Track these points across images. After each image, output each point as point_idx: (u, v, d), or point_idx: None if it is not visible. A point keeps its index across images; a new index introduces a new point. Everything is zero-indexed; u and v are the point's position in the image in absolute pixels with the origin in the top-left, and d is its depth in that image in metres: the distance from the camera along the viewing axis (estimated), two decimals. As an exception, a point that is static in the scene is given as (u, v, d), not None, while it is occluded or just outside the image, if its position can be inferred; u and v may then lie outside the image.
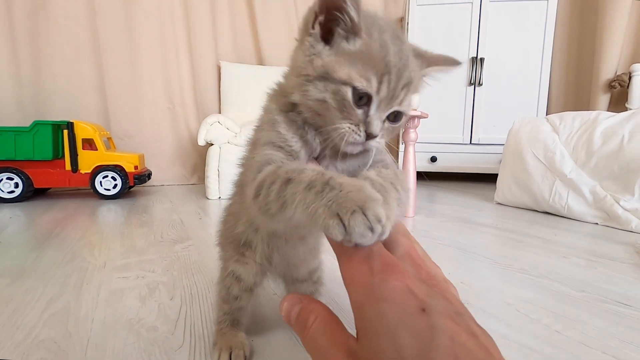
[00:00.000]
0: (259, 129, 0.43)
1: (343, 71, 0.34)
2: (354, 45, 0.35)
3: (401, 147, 2.88)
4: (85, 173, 1.95)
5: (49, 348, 0.59)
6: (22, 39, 2.17)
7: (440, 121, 2.79)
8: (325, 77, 0.35)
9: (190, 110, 2.61)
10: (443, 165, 2.86)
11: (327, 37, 0.37)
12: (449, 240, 1.27)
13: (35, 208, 1.75)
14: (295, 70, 0.39)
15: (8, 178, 1.84)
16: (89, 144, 1.97)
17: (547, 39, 2.72)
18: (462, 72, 2.80)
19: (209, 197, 2.03)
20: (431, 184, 2.74)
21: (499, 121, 2.80)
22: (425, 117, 1.60)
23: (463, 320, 0.25)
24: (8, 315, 0.70)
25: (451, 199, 2.12)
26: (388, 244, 0.30)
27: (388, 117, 0.37)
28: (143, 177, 2.06)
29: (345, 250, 0.28)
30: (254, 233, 0.54)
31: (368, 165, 0.39)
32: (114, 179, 1.97)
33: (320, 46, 0.36)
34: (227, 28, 2.66)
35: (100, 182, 1.96)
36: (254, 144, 0.43)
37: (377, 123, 0.35)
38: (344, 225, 0.27)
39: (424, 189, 2.45)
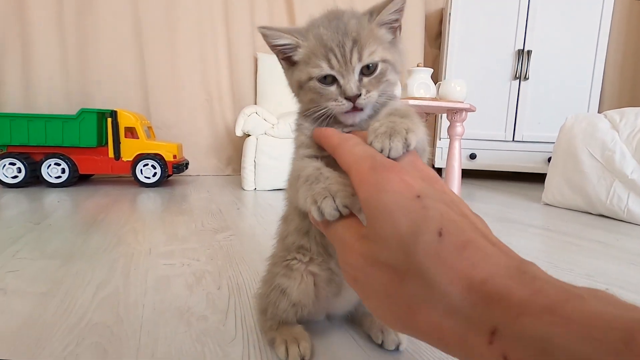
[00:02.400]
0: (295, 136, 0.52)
1: (304, 74, 0.45)
2: (300, 54, 0.46)
3: (440, 142, 2.77)
4: (127, 161, 1.99)
5: (102, 333, 0.58)
6: (70, 35, 2.25)
7: (480, 116, 2.64)
8: (301, 85, 0.46)
9: (227, 103, 2.63)
10: (482, 162, 2.74)
11: (292, 62, 0.48)
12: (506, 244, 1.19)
13: (80, 193, 1.81)
14: (291, 92, 0.50)
15: (56, 164, 1.91)
16: (131, 132, 2.02)
17: (603, 31, 2.54)
18: (507, 66, 2.67)
19: (245, 188, 2.03)
20: (469, 182, 2.63)
21: (545, 118, 2.66)
22: (473, 111, 1.52)
23: (455, 206, 0.30)
24: (61, 297, 0.71)
25: (493, 198, 2.02)
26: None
27: (364, 74, 0.43)
28: (181, 166, 2.08)
29: (355, 163, 0.35)
30: (305, 237, 0.52)
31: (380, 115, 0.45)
32: (153, 167, 2.00)
33: (290, 71, 0.48)
34: (265, 19, 2.65)
35: (141, 170, 2.00)
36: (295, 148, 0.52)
37: (350, 86, 0.42)
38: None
39: (462, 187, 2.35)
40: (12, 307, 0.67)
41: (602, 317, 0.20)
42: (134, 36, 2.37)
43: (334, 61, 0.42)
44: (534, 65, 2.63)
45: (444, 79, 2.72)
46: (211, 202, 1.69)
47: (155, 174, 2.01)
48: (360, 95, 0.42)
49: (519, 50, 2.63)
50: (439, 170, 3.02)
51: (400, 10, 0.45)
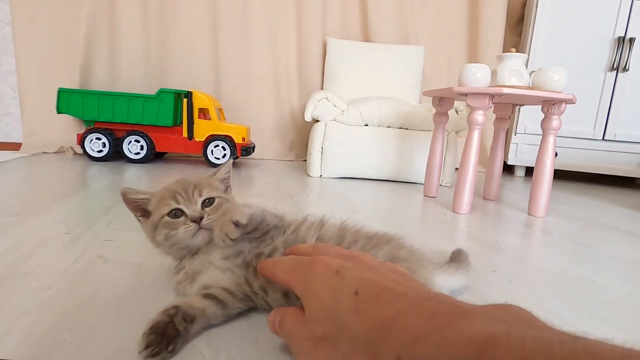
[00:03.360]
0: None
1: (157, 215, 0.57)
2: (153, 203, 0.60)
3: (515, 138, 2.54)
4: (199, 141, 2.05)
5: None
6: (153, 16, 2.34)
7: (566, 111, 2.41)
8: (156, 225, 0.57)
9: (293, 88, 2.62)
10: (565, 162, 2.50)
11: (147, 214, 0.61)
12: (612, 252, 1.05)
13: (157, 170, 1.89)
14: (151, 243, 0.61)
15: (135, 140, 2.01)
16: (204, 113, 2.07)
17: None
18: (603, 55, 2.38)
19: (311, 175, 2.00)
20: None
21: (646, 115, 2.35)
22: (573, 103, 1.36)
23: (374, 270, 0.35)
24: (156, 270, 0.71)
25: (581, 202, 1.82)
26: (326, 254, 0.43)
27: (205, 206, 0.58)
28: (249, 149, 2.11)
29: (291, 279, 0.40)
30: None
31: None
32: (223, 148, 2.04)
33: (146, 223, 0.60)
34: (337, 3, 2.59)
35: (212, 150, 2.05)
36: None
37: (195, 209, 0.56)
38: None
39: (543, 187, 2.14)
40: (115, 275, 0.69)
41: (470, 334, 0.23)
42: (211, 19, 2.42)
43: (180, 199, 0.56)
44: (637, 55, 2.32)
45: (526, 67, 2.49)
46: (279, 186, 1.69)
47: (224, 155, 2.05)
48: (203, 217, 0.55)
49: (619, 38, 2.33)
50: (511, 168, 2.80)
51: (228, 172, 0.66)
